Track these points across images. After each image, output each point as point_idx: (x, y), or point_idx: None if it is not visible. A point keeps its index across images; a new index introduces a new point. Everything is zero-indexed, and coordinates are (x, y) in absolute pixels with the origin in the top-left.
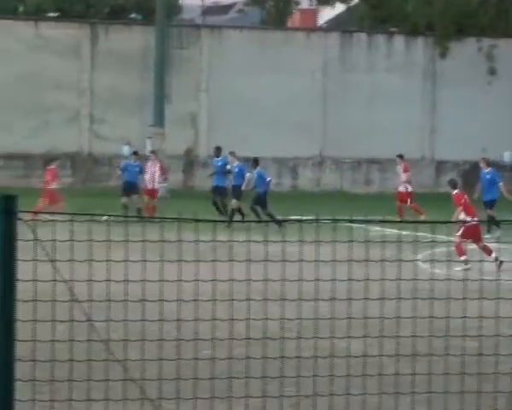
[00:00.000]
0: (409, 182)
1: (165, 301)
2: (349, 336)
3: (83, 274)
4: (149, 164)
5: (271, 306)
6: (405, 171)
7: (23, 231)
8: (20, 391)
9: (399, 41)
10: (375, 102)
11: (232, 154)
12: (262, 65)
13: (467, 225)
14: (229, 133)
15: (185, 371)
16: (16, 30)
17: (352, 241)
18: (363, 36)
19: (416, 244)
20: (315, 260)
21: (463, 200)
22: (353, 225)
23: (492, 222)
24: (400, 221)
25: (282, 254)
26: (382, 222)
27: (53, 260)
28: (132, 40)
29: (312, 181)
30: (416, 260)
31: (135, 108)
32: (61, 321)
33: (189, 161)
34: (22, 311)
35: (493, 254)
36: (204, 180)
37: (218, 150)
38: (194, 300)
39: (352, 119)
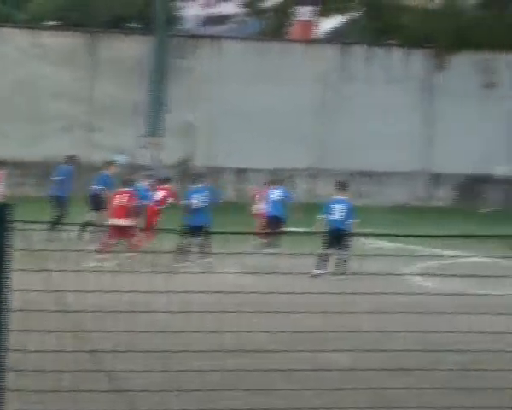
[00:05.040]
0: None
1: (153, 312)
2: (336, 350)
3: (73, 284)
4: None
5: (262, 318)
6: None
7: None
8: (11, 403)
9: (398, 53)
10: (373, 113)
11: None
12: (261, 75)
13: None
14: (227, 144)
15: (180, 382)
16: (14, 38)
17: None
18: (362, 48)
19: (409, 258)
20: (306, 273)
21: (115, 199)
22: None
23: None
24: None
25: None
26: (376, 235)
27: (43, 270)
28: (131, 49)
29: (307, 192)
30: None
31: (132, 118)
32: (50, 331)
33: (186, 171)
34: (14, 320)
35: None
36: None
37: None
38: (183, 311)
39: (349, 130)
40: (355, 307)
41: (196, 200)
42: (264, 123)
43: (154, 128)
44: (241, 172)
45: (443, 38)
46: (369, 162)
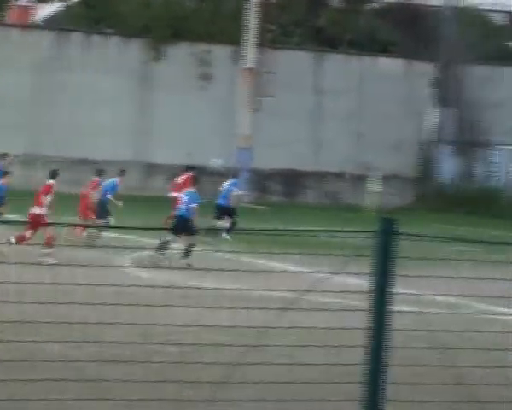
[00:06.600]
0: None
1: None
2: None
3: None
4: None
5: None
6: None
7: None
8: None
9: (115, 42)
10: (88, 102)
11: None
12: None
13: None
14: None
15: None
16: None
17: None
18: (78, 35)
19: (123, 248)
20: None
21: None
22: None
23: None
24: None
25: None
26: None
27: None
28: None
29: (21, 179)
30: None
31: None
32: None
33: None
34: None
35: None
36: None
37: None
38: None
39: (66, 118)
40: (71, 296)
41: None
42: None
43: None
44: None
45: (159, 28)
46: (87, 150)
